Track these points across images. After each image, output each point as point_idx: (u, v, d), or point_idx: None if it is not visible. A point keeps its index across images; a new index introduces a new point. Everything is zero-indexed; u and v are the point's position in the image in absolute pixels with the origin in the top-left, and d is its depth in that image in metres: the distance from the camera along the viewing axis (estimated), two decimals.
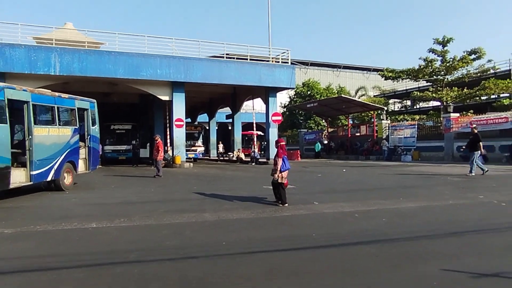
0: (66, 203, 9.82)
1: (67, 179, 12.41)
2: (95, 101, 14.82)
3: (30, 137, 10.59)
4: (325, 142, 36.80)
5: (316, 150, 35.32)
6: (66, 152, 12.28)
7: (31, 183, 10.73)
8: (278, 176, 9.03)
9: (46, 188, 12.07)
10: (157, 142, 17.33)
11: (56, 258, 5.03)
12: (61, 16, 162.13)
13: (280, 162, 9.12)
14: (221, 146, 34.55)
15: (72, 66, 20.89)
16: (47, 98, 11.82)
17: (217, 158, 34.23)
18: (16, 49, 20.02)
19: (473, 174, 14.99)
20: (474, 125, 17.89)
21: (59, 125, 12.11)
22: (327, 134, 37.78)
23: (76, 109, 13.20)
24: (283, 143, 9.82)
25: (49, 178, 11.45)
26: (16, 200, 10.15)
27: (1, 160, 9.38)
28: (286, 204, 8.84)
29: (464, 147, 17.37)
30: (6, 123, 9.64)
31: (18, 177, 10.30)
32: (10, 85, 10.55)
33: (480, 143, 15.30)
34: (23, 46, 20.28)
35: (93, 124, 14.22)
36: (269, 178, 15.00)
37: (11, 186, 9.88)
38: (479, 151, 15.37)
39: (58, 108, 12.12)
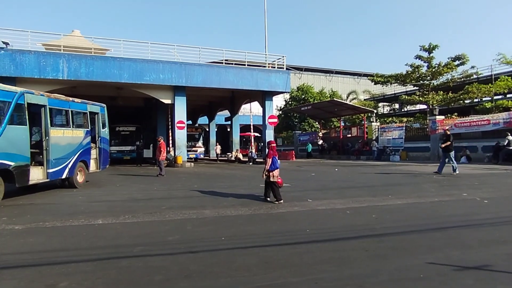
0: (73, 200, 9.80)
1: (80, 177, 12.74)
2: (105, 105, 15.13)
3: (47, 138, 10.92)
4: (320, 142, 36.83)
5: (308, 151, 35.47)
6: (79, 152, 12.63)
7: (48, 180, 11.02)
8: (265, 174, 9.19)
9: (61, 186, 12.27)
10: (160, 143, 17.30)
11: (64, 252, 5.03)
12: (69, 23, 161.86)
13: (269, 162, 9.24)
14: (218, 147, 33.87)
15: (79, 71, 20.86)
16: (61, 103, 12.16)
17: (216, 158, 33.72)
18: (26, 55, 19.97)
19: (458, 172, 15.06)
20: (447, 128, 18.02)
21: (73, 127, 12.43)
22: (321, 135, 37.85)
23: (88, 113, 13.55)
24: (274, 144, 9.89)
25: (63, 176, 11.79)
26: (27, 198, 10.13)
27: (22, 158, 9.74)
28: (282, 201, 8.88)
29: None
30: (26, 125, 9.97)
31: (36, 175, 10.59)
32: (29, 90, 10.71)
33: (449, 142, 15.42)
34: (32, 52, 20.23)
35: (103, 126, 14.55)
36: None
37: (30, 183, 10.24)
38: (453, 151, 15.53)
39: (71, 111, 12.46)
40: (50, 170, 10.97)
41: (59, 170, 11.43)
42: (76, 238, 5.79)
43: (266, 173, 9.18)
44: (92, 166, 13.72)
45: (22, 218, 7.27)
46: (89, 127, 13.44)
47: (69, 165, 11.97)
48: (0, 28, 20.30)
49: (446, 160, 15.46)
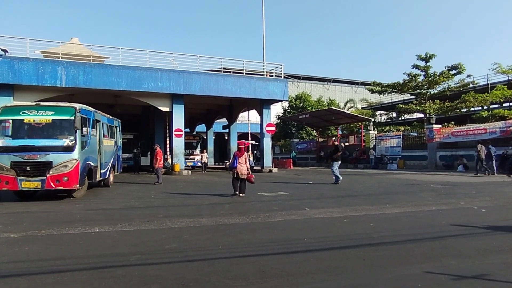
0: (70, 208, 9.75)
1: (111, 179, 15.36)
2: (119, 120, 18.15)
3: (101, 145, 13.53)
4: (321, 154, 36.83)
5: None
6: (113, 158, 15.60)
7: (101, 178, 13.74)
8: (228, 171, 11.35)
9: (98, 185, 14.25)
10: (157, 150, 17.29)
11: (60, 261, 4.99)
12: (67, 31, 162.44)
13: (232, 160, 12.03)
14: (205, 155, 28.89)
15: (77, 79, 20.89)
16: (106, 118, 15.16)
17: (201, 166, 28.41)
18: (25, 62, 20.01)
19: (341, 179, 15.41)
20: (334, 138, 18.38)
21: (109, 137, 15.29)
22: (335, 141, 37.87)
23: (114, 126, 16.52)
24: (242, 146, 12.42)
25: (106, 176, 14.39)
26: (23, 205, 10.08)
27: (94, 161, 12.47)
28: (242, 195, 11.46)
29: (326, 156, 18.20)
30: (96, 136, 12.93)
31: (97, 174, 13.10)
32: (95, 109, 13.34)
33: (339, 153, 16.02)
34: (31, 60, 20.27)
35: (120, 137, 17.45)
36: (263, 185, 15.08)
37: (96, 180, 13.11)
38: (339, 161, 16.02)
39: (108, 125, 15.39)
40: (102, 171, 13.58)
41: (105, 171, 14.10)
42: (72, 247, 5.75)
43: (233, 170, 11.65)
44: (115, 169, 16.46)
45: (18, 226, 7.23)
46: (116, 138, 16.46)
47: (109, 168, 14.65)
48: None
49: (333, 168, 15.74)
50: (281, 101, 29.16)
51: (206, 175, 23.91)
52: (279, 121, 45.86)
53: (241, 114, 33.98)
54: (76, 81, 20.87)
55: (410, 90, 34.97)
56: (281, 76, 26.69)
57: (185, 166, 25.04)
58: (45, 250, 5.59)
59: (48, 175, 10.60)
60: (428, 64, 33.01)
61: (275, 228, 7.05)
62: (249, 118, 30.94)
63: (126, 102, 26.27)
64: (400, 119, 51.26)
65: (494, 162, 19.78)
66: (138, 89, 22.39)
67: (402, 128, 37.49)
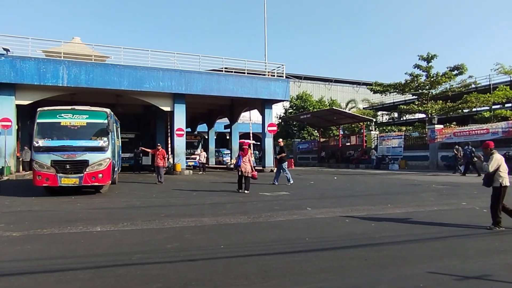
0: (72, 207, 9.76)
1: (116, 177, 15.98)
2: (119, 120, 18.57)
3: (115, 146, 14.05)
4: (322, 154, 36.76)
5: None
6: (119, 157, 16.94)
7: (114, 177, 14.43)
8: (234, 169, 13.12)
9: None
10: (159, 150, 17.26)
11: (62, 260, 5.01)
12: (69, 31, 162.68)
13: (236, 159, 13.16)
14: (203, 154, 27.30)
15: (79, 78, 20.90)
16: (116, 121, 15.85)
17: (199, 167, 26.69)
18: (27, 62, 20.03)
19: (292, 182, 15.34)
20: (280, 140, 18.67)
21: (117, 138, 16.06)
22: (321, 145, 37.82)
23: (117, 127, 16.99)
24: (246, 146, 13.45)
25: (115, 175, 14.86)
26: (25, 204, 10.09)
27: (114, 160, 13.14)
28: (247, 191, 12.45)
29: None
30: (119, 138, 14.70)
31: (115, 172, 14.32)
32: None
33: (284, 154, 16.20)
34: (33, 59, 20.29)
35: (118, 137, 17.46)
36: (265, 185, 15.07)
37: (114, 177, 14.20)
38: (286, 162, 16.29)
39: (116, 126, 15.70)
40: (115, 169, 14.39)
41: (116, 169, 15.07)
42: (74, 246, 5.76)
43: (238, 168, 12.74)
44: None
45: (20, 225, 7.24)
46: (119, 138, 17.23)
47: (116, 166, 15.28)
48: (1, 34, 20.43)
49: (281, 170, 15.79)
50: (283, 101, 29.16)
51: (207, 175, 23.89)
52: (280, 121, 45.87)
53: (242, 114, 33.95)
54: (78, 81, 20.88)
55: (412, 90, 34.91)
56: (282, 76, 26.67)
57: (186, 165, 25.03)
58: (47, 249, 5.60)
59: (85, 172, 11.69)
60: (430, 64, 32.93)
61: (276, 228, 7.05)
62: (250, 118, 30.93)
63: (127, 102, 26.28)
64: (401, 119, 51.19)
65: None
66: (139, 89, 22.39)
67: (404, 129, 37.49)
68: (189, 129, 37.85)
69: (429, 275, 4.27)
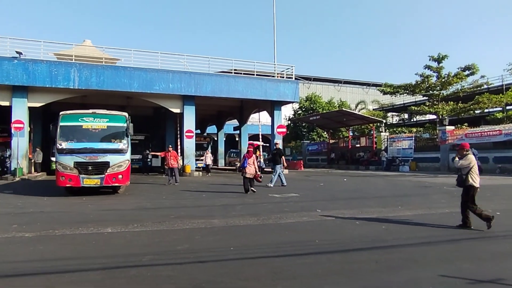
0: (83, 208, 9.85)
1: None
2: None
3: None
4: (332, 156, 36.63)
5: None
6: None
7: None
8: (238, 171, 11.90)
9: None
10: (171, 152, 17.35)
11: (73, 260, 5.05)
12: (80, 33, 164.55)
13: (242, 161, 13.46)
14: (208, 155, 26.09)
15: (90, 81, 21.14)
16: None
17: (205, 168, 25.80)
18: (39, 65, 20.34)
19: (272, 185, 15.19)
20: (276, 141, 18.41)
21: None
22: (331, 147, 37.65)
23: None
24: (251, 149, 13.71)
25: None
26: (37, 206, 10.22)
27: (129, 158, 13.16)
28: (252, 189, 12.81)
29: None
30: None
31: None
32: None
33: (283, 157, 16.09)
34: (45, 62, 20.59)
35: None
36: (274, 186, 15.04)
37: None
38: (281, 164, 16.09)
39: None
40: None
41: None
42: (86, 246, 5.81)
43: (241, 169, 13.15)
44: None
45: (32, 225, 7.33)
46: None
47: None
48: (14, 38, 20.76)
49: (277, 171, 15.72)
50: (292, 102, 29.15)
51: (216, 176, 23.95)
52: (289, 122, 45.81)
53: (252, 116, 34.00)
54: (89, 83, 21.12)
55: (422, 91, 34.66)
56: (292, 78, 26.67)
57: (196, 167, 25.12)
58: (59, 249, 5.65)
59: (106, 174, 12.12)
60: (440, 65, 32.67)
61: (286, 230, 7.03)
62: (260, 120, 30.95)
63: (137, 104, 26.49)
64: (412, 120, 50.79)
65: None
66: (149, 91, 22.58)
67: (414, 130, 37.10)
68: (198, 131, 38.00)
69: (441, 279, 4.22)
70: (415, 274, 4.41)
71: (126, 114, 13.41)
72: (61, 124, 12.57)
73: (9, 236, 6.42)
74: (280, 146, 17.79)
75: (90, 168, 12.02)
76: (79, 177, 11.90)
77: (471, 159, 6.98)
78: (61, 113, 12.94)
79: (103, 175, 12.10)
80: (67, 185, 12.04)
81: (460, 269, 4.56)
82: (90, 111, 13.26)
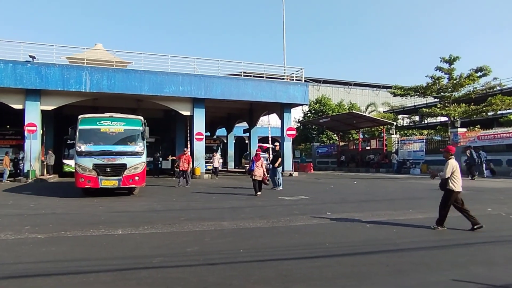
0: (94, 210, 9.94)
1: None
2: None
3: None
4: (342, 159, 36.43)
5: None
6: None
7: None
8: (247, 174, 13.32)
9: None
10: (186, 155, 17.56)
11: (85, 262, 5.10)
12: (92, 37, 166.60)
13: (250, 164, 13.90)
14: (216, 157, 25.27)
15: (101, 84, 21.37)
16: None
17: (211, 170, 25.40)
18: (51, 68, 20.63)
19: (281, 187, 15.25)
20: (276, 143, 18.37)
21: None
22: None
23: None
24: (259, 152, 14.13)
25: None
26: (49, 207, 10.34)
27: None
28: (259, 193, 13.15)
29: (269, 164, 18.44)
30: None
31: None
32: None
33: (280, 159, 16.02)
34: (57, 66, 20.88)
35: None
36: (283, 189, 15.02)
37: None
38: (281, 166, 16.30)
39: None
40: None
41: None
42: (97, 248, 5.86)
43: (251, 173, 13.42)
44: None
45: (45, 227, 7.42)
46: None
47: None
48: (27, 42, 21.09)
49: (276, 173, 15.67)
50: (302, 105, 29.12)
51: (226, 178, 23.98)
52: (299, 125, 45.72)
53: (261, 118, 34.02)
54: (100, 86, 21.36)
55: (433, 93, 34.32)
56: (301, 80, 26.63)
57: (205, 169, 25.19)
58: (70, 251, 5.71)
59: (123, 175, 12.53)
60: (452, 66, 32.34)
61: (296, 233, 7.01)
62: (269, 122, 30.96)
63: (148, 107, 26.70)
64: (423, 122, 50.32)
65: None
66: (160, 94, 22.74)
67: (426, 132, 36.74)
68: (208, 133, 38.15)
69: (454, 283, 4.17)
70: (426, 278, 4.35)
71: (141, 117, 13.74)
72: (80, 127, 12.97)
73: (22, 237, 6.52)
74: (279, 147, 17.76)
75: (108, 169, 12.43)
76: (97, 178, 12.29)
77: (453, 164, 7.15)
78: (79, 116, 13.31)
79: (121, 177, 12.49)
80: (86, 186, 12.40)
81: (474, 274, 4.49)
82: (108, 114, 13.58)
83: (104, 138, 13.04)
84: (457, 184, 7.08)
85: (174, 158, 22.26)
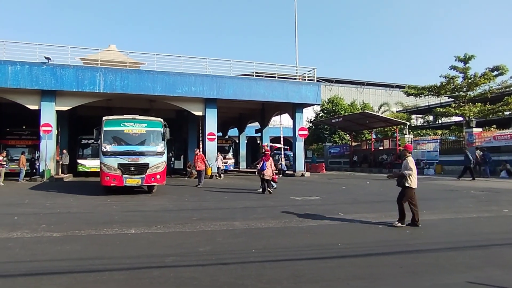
0: (108, 209, 10.06)
1: None
2: None
3: None
4: (354, 159, 36.18)
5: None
6: None
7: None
8: (257, 174, 14.30)
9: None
10: (198, 155, 17.82)
11: (99, 260, 5.17)
12: (105, 38, 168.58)
13: (260, 163, 13.97)
14: (219, 158, 24.69)
15: (114, 84, 21.61)
16: None
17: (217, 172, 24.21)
18: (66, 69, 20.92)
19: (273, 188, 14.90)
20: (275, 144, 18.19)
21: None
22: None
23: None
24: (268, 152, 14.27)
25: None
26: (64, 206, 10.49)
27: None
28: (271, 193, 13.43)
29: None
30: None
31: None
32: None
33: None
34: (72, 67, 21.17)
35: None
36: (295, 189, 14.99)
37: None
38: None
39: None
40: None
41: None
42: (110, 247, 5.93)
43: (261, 172, 13.63)
44: None
45: (60, 226, 7.54)
46: None
47: None
48: (42, 44, 21.43)
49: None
50: (314, 105, 28.98)
51: (238, 178, 24.02)
52: (311, 125, 45.54)
53: (273, 118, 33.98)
54: (114, 87, 21.60)
55: (448, 92, 33.81)
56: (313, 80, 26.52)
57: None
58: (85, 249, 5.79)
59: (146, 174, 13.19)
60: (467, 65, 31.81)
61: (308, 233, 6.99)
62: (281, 122, 30.91)
63: (160, 107, 26.89)
64: (437, 122, 49.63)
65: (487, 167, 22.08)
66: (172, 94, 22.88)
67: (440, 132, 36.23)
68: (220, 134, 38.26)
69: (469, 285, 4.11)
70: (441, 280, 4.30)
71: (162, 119, 14.37)
72: (105, 128, 13.60)
73: (38, 236, 6.63)
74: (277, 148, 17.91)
75: (132, 168, 13.04)
76: (122, 177, 12.92)
77: (413, 161, 7.60)
78: (104, 118, 13.92)
79: (144, 175, 13.12)
80: (112, 184, 12.97)
81: (489, 276, 4.42)
82: (131, 116, 14.21)
83: (127, 139, 13.65)
84: (413, 181, 7.49)
85: (189, 165, 22.56)
